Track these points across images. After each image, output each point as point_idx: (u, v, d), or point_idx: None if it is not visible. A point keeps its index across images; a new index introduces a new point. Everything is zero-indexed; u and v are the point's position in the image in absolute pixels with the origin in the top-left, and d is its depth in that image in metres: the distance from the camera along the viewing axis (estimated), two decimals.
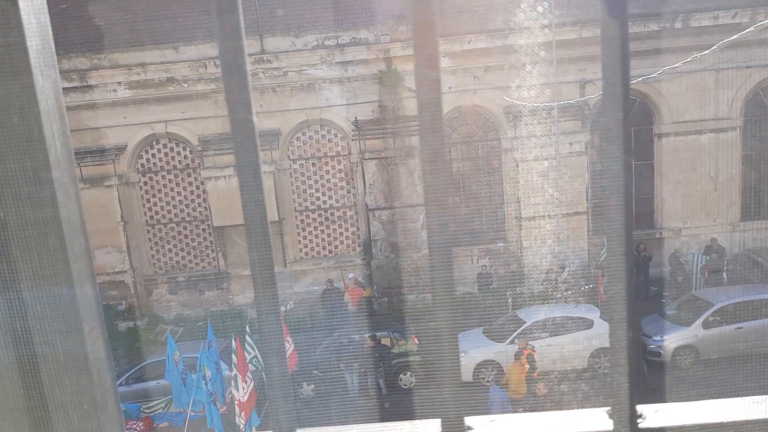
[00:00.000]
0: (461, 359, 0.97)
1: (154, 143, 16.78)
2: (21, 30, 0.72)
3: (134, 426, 13.27)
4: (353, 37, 16.41)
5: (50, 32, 0.77)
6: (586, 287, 15.09)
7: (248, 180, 0.83)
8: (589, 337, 13.78)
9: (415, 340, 14.42)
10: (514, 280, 16.12)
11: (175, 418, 13.26)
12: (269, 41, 16.16)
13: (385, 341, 14.18)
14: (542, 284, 15.63)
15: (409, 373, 14.13)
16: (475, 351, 13.59)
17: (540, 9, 15.03)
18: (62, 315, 0.76)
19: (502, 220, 17.18)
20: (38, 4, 0.76)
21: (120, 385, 13.49)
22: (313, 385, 13.88)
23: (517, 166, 16.60)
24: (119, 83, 16.04)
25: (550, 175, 16.26)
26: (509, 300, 15.27)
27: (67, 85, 15.84)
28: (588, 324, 13.88)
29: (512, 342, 13.82)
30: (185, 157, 16.87)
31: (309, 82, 16.48)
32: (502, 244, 16.83)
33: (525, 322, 14.04)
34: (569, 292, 15.06)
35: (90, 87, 16.06)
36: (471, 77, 16.67)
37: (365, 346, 13.94)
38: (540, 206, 16.21)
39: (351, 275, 15.72)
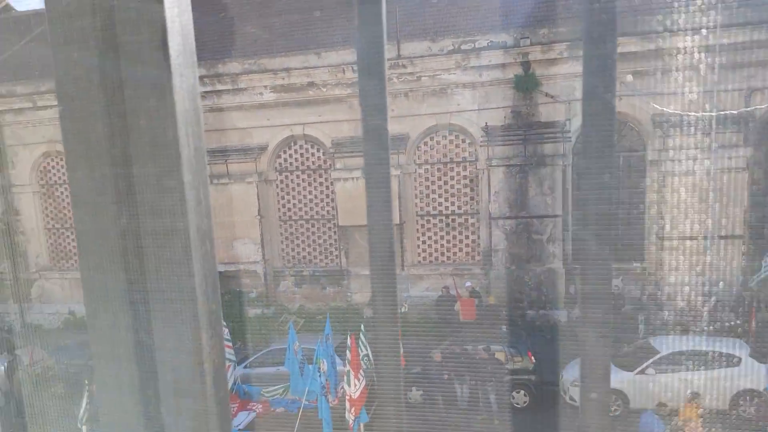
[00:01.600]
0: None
1: (292, 144, 17.75)
2: (164, 30, 0.70)
3: (253, 407, 14.02)
4: (491, 41, 16.04)
5: (192, 33, 0.75)
6: (736, 321, 13.30)
7: (376, 183, 0.80)
8: (734, 375, 12.17)
9: (532, 357, 13.70)
10: (649, 305, 14.66)
11: (290, 405, 13.79)
12: (405, 46, 16.34)
13: (500, 356, 13.65)
14: (683, 312, 14.03)
15: (522, 391, 13.47)
16: None
17: (701, 9, 13.60)
18: (182, 323, 0.73)
19: (641, 238, 15.73)
20: (183, 5, 0.75)
21: (245, 367, 14.38)
22: (421, 391, 13.76)
23: (664, 180, 15.11)
24: (265, 87, 17.19)
25: (703, 192, 14.58)
26: (641, 326, 13.92)
27: (221, 87, 17.37)
28: (735, 361, 12.25)
29: (642, 372, 12.70)
30: (318, 158, 17.65)
31: (441, 87, 16.41)
32: (638, 264, 15.40)
33: (659, 352, 12.75)
34: (714, 323, 13.37)
35: (240, 90, 17.40)
36: (617, 82, 15.49)
37: (478, 358, 13.55)
38: (688, 226, 14.60)
39: (468, 284, 15.34)
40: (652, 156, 15.56)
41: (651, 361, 12.69)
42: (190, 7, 0.76)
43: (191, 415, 0.76)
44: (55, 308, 18.67)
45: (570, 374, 12.71)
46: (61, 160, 19.21)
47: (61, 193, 19.40)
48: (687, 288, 14.36)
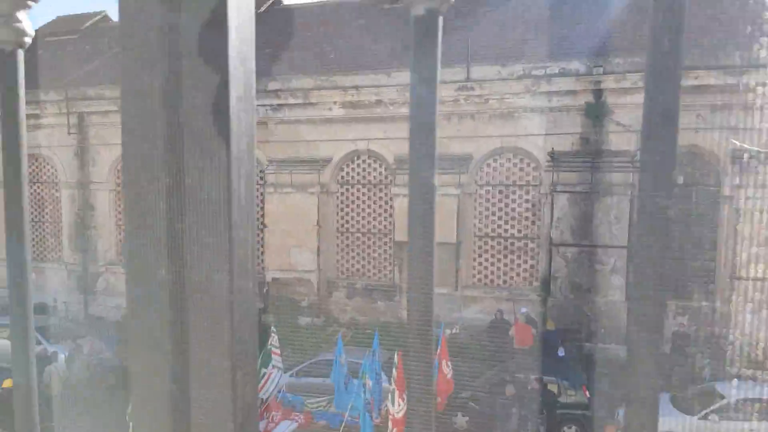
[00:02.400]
0: None
1: (355, 158, 17.98)
2: (227, 84, 0.76)
3: (296, 417, 13.88)
4: (562, 68, 15.87)
5: (253, 78, 0.81)
6: None
7: (418, 201, 0.84)
8: None
9: (587, 392, 13.09)
10: (717, 346, 13.76)
11: (333, 419, 13.59)
12: (475, 69, 16.37)
13: (552, 387, 13.10)
14: (754, 357, 13.10)
15: (574, 427, 12.86)
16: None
17: None
18: (218, 360, 0.80)
19: (711, 275, 14.89)
20: (247, 51, 0.81)
21: (290, 376, 14.33)
22: (467, 417, 13.34)
23: (739, 217, 14.33)
24: (335, 102, 17.56)
25: None
26: (707, 368, 13.08)
27: (292, 101, 17.87)
28: None
29: (705, 417, 11.93)
30: (380, 173, 17.77)
31: (509, 110, 16.29)
32: (707, 303, 14.55)
33: (724, 398, 11.95)
34: None
35: (311, 104, 17.84)
36: (693, 115, 14.96)
37: (529, 387, 13.06)
38: (761, 265, 13.74)
39: (524, 310, 14.86)
40: (727, 191, 14.84)
41: (716, 406, 11.92)
42: (253, 53, 0.79)
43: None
44: (117, 302, 19.37)
45: None
46: None
47: None
48: (759, 331, 13.42)
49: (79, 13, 25.69)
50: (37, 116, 20.25)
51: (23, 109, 0.94)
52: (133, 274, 0.78)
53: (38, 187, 21.42)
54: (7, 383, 13.39)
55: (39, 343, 15.86)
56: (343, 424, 12.66)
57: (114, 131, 19.89)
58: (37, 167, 21.39)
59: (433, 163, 0.82)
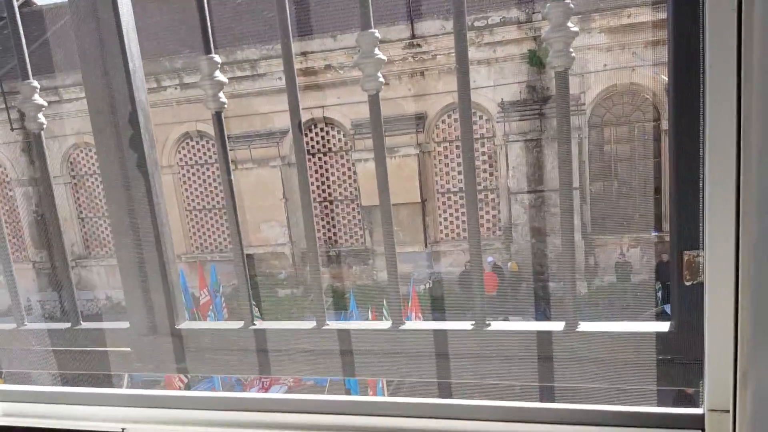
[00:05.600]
0: None
1: (312, 127, 18.03)
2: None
3: (285, 381, 14.57)
4: (503, 17, 16.19)
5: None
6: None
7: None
8: None
9: None
10: (664, 273, 15.07)
11: (319, 379, 14.32)
12: (420, 26, 16.51)
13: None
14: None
15: None
16: None
17: None
18: None
19: (656, 207, 16.05)
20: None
21: None
22: None
23: None
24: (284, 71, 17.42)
25: None
26: (659, 293, 14.40)
27: (240, 74, 17.68)
28: None
29: None
30: (339, 140, 17.98)
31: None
32: (656, 234, 15.77)
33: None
34: None
35: (260, 76, 17.70)
36: (629, 54, 15.66)
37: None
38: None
39: (490, 259, 15.80)
40: (667, 126, 15.77)
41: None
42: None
43: None
44: (92, 295, 19.39)
45: None
46: (90, 151, 19.74)
47: (92, 183, 19.97)
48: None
49: None
50: None
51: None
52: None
53: None
54: None
55: None
56: (329, 383, 13.41)
57: (60, 123, 19.33)
58: None
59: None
